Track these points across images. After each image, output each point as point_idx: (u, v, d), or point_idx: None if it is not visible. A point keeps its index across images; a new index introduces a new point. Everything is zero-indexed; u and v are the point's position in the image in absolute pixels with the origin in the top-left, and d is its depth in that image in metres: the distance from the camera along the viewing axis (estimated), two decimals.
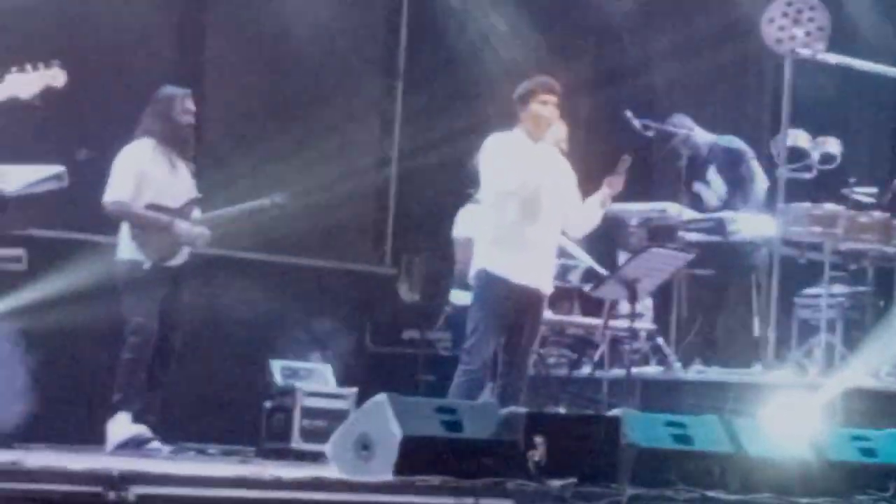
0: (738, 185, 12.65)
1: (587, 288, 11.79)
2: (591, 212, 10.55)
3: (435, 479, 8.17)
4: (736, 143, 12.75)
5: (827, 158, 12.29)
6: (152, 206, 10.36)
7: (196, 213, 10.54)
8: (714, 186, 12.76)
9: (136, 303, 10.31)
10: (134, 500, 6.57)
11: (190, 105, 10.67)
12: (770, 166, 12.28)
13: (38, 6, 12.74)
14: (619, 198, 10.90)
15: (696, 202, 12.75)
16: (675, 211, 12.37)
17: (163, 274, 10.38)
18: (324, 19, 14.32)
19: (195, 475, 8.10)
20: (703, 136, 12.81)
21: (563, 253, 11.26)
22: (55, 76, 8.94)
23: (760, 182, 12.60)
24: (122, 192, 10.36)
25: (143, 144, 10.50)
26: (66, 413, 10.69)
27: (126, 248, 10.38)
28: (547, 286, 10.44)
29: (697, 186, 12.81)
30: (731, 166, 12.69)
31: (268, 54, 14.02)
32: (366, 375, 11.70)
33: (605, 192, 10.42)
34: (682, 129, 12.76)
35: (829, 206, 11.99)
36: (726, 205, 12.59)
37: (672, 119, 12.85)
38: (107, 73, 12.17)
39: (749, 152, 12.62)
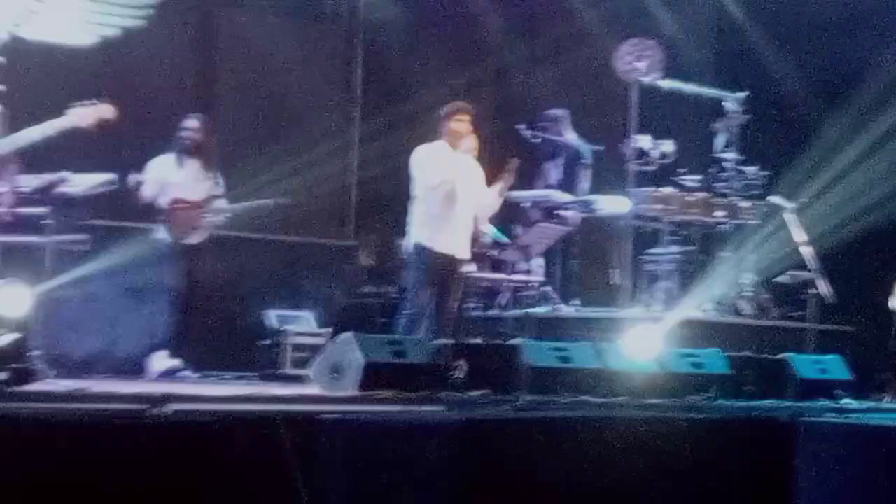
0: (568, 178, 12.56)
1: (494, 252, 11.77)
2: (492, 199, 10.57)
3: (387, 393, 8.21)
4: (586, 148, 12.56)
5: (664, 155, 12.18)
6: (176, 201, 10.26)
7: (217, 204, 10.44)
8: (552, 172, 12.66)
9: (165, 270, 10.25)
10: (170, 414, 6.50)
11: (188, 124, 10.52)
12: (622, 162, 12.14)
13: (90, 55, 12.71)
14: (515, 186, 10.97)
15: (540, 177, 12.69)
16: (557, 195, 12.33)
17: (183, 249, 10.28)
18: (301, 60, 14.25)
19: (215, 395, 8.19)
20: (567, 131, 12.66)
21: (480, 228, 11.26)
22: (107, 110, 8.90)
23: (584, 182, 12.53)
24: (146, 190, 10.27)
25: (163, 157, 10.42)
26: (121, 349, 10.62)
27: (157, 229, 10.33)
28: (464, 253, 10.44)
29: (548, 166, 12.68)
30: (572, 165, 12.59)
31: (262, 85, 13.85)
32: (338, 319, 11.57)
33: (500, 185, 10.46)
34: (559, 121, 12.64)
35: (666, 190, 12.03)
36: (552, 185, 12.54)
37: (549, 111, 12.72)
38: (143, 104, 12.13)
39: (587, 163, 12.50)
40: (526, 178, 12.18)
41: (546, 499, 5.67)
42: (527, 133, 12.52)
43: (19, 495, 4.69)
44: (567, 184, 12.57)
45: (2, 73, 12.39)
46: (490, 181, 10.58)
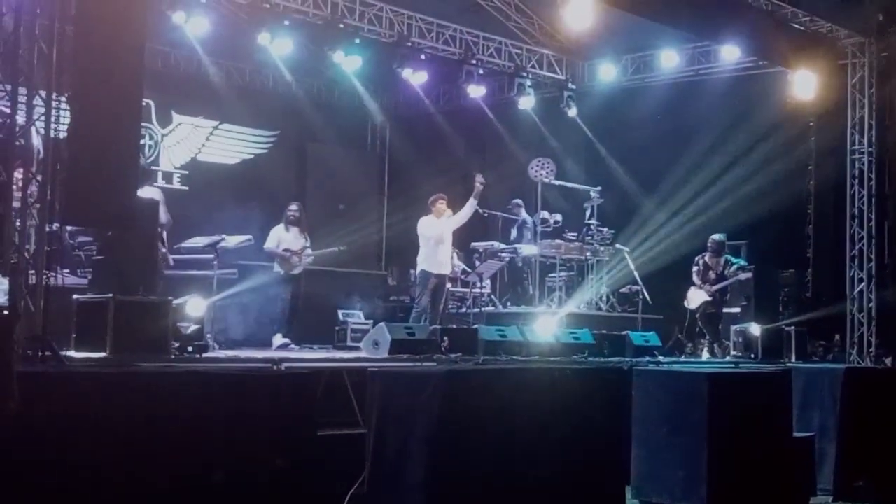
0: (521, 235, 12.46)
1: (464, 276, 11.75)
2: (468, 210, 10.21)
3: (404, 356, 8.18)
4: (529, 220, 12.38)
5: (556, 222, 12.25)
6: (286, 250, 9.98)
7: (307, 251, 10.12)
8: (514, 233, 12.58)
9: (282, 289, 10.00)
10: (284, 369, 6.20)
11: (291, 207, 10.19)
12: (534, 225, 12.18)
13: (234, 168, 12.68)
14: (478, 238, 11.09)
15: (508, 236, 12.59)
16: (498, 245, 12.31)
17: (290, 276, 10.00)
18: (353, 170, 14.39)
19: (309, 357, 8.24)
20: (522, 212, 12.50)
21: (454, 262, 11.16)
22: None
23: (529, 237, 12.41)
24: (269, 244, 10.02)
25: (279, 226, 10.11)
26: (256, 333, 10.36)
27: (275, 266, 10.11)
28: (448, 273, 10.46)
29: (512, 230, 12.57)
30: (523, 228, 12.47)
31: (331, 184, 13.94)
32: (377, 315, 11.36)
33: (474, 194, 10.22)
34: (513, 207, 12.40)
35: (557, 241, 12.06)
36: (514, 241, 12.44)
37: (513, 200, 12.55)
38: (264, 196, 12.21)
39: (530, 224, 12.25)
40: (497, 235, 12.32)
41: (493, 411, 5.49)
42: (482, 212, 12.54)
43: (208, 414, 4.62)
44: (518, 239, 12.40)
45: (185, 180, 12.76)
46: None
